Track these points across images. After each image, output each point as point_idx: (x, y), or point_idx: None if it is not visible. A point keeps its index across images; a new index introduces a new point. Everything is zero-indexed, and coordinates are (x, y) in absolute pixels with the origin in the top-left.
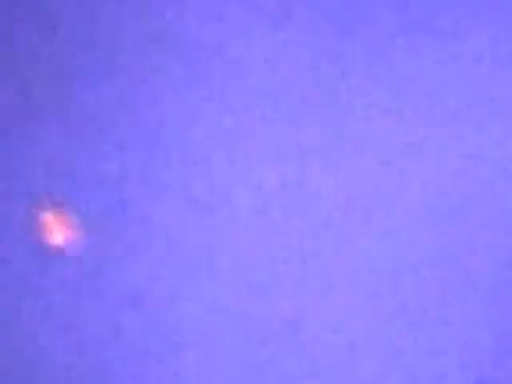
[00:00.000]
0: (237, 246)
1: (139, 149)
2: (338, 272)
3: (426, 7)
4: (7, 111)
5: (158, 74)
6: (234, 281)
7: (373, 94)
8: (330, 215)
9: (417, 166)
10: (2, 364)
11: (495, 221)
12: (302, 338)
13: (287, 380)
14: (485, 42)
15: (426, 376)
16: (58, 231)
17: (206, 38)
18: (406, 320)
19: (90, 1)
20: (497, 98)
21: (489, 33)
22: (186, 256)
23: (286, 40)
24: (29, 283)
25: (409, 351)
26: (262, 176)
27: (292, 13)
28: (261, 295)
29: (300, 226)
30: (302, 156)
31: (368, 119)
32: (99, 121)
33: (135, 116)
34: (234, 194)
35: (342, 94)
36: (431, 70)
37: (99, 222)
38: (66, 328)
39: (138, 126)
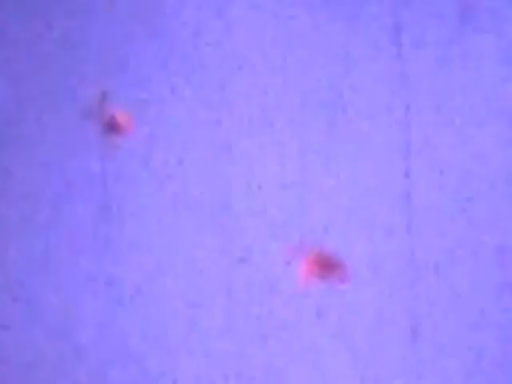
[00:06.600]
0: (236, 247)
1: (137, 147)
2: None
3: (430, 5)
4: (3, 110)
5: (155, 71)
6: (234, 282)
7: (375, 92)
8: (331, 215)
9: (419, 165)
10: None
11: (497, 221)
12: (302, 342)
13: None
14: (488, 41)
15: (428, 378)
16: None
17: (206, 35)
18: (408, 323)
19: None
20: (500, 97)
21: (492, 31)
22: (185, 257)
23: (286, 38)
24: (25, 285)
25: (411, 354)
26: (262, 176)
27: (293, 10)
28: (261, 296)
29: (300, 226)
30: (303, 155)
31: (370, 118)
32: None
33: (132, 114)
34: (234, 195)
35: (345, 92)
36: (434, 69)
37: (96, 222)
38: (61, 331)
39: (135, 124)
